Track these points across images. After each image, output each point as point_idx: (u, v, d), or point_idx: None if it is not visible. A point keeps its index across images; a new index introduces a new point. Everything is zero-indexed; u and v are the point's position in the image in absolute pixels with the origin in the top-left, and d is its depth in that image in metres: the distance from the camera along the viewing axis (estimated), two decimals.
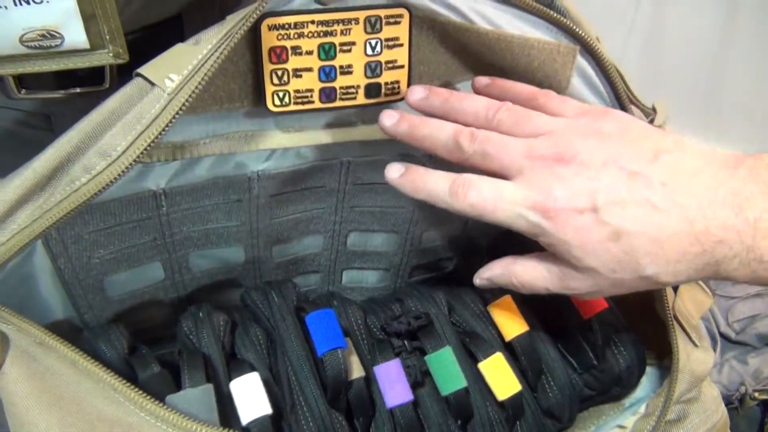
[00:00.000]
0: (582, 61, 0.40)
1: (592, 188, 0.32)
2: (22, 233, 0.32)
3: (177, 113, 0.30)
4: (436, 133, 0.36)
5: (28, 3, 0.32)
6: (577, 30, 0.38)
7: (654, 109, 0.44)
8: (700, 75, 0.90)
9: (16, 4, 0.32)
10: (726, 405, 0.43)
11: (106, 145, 0.31)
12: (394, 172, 0.38)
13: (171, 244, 0.42)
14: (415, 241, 0.48)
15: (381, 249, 0.49)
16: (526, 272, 0.37)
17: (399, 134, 0.37)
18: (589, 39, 0.39)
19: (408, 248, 0.49)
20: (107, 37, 0.35)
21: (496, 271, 0.38)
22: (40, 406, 0.31)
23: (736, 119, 0.94)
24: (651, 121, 0.43)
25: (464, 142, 0.35)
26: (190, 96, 0.30)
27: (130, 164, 0.30)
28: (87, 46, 0.35)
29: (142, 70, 0.32)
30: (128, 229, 0.40)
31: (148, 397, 0.31)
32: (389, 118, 0.37)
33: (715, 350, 0.74)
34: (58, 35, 0.34)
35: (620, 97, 0.40)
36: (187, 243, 0.43)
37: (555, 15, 0.38)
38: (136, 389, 0.31)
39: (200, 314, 0.40)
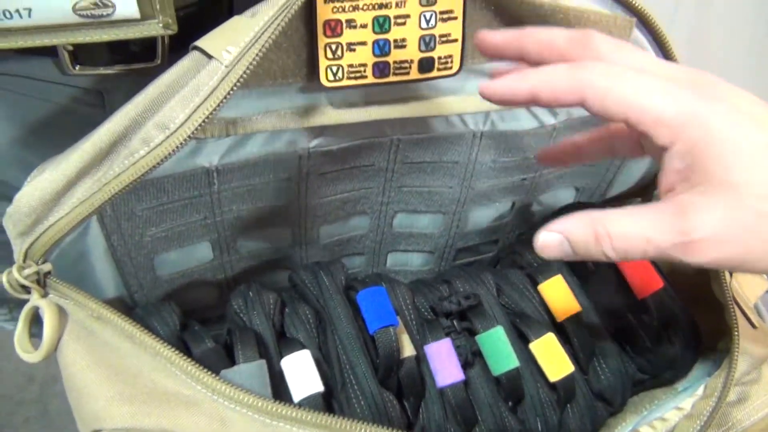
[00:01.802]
0: (639, 35, 0.39)
1: None
2: (82, 206, 0.32)
3: (234, 86, 0.30)
4: (549, 75, 0.29)
5: None
6: (634, 2, 0.38)
7: None
8: (744, 77, 0.89)
9: None
10: None
11: (164, 118, 0.31)
12: None
13: (221, 223, 0.43)
14: (461, 223, 0.48)
15: (427, 230, 0.48)
16: (623, 225, 0.27)
17: (502, 92, 0.30)
18: (646, 11, 0.38)
19: (454, 230, 0.48)
20: (157, 6, 0.35)
21: (575, 225, 0.29)
22: (99, 379, 0.32)
23: None
24: None
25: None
26: (247, 68, 0.30)
27: (188, 137, 0.30)
28: (137, 15, 0.35)
29: (199, 43, 0.32)
30: (180, 207, 0.40)
31: (205, 370, 0.31)
32: (486, 86, 0.31)
33: None
34: (110, 4, 0.34)
35: None
36: (237, 222, 0.43)
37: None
38: (193, 362, 0.31)
39: (250, 293, 0.40)
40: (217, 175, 0.39)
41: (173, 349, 0.32)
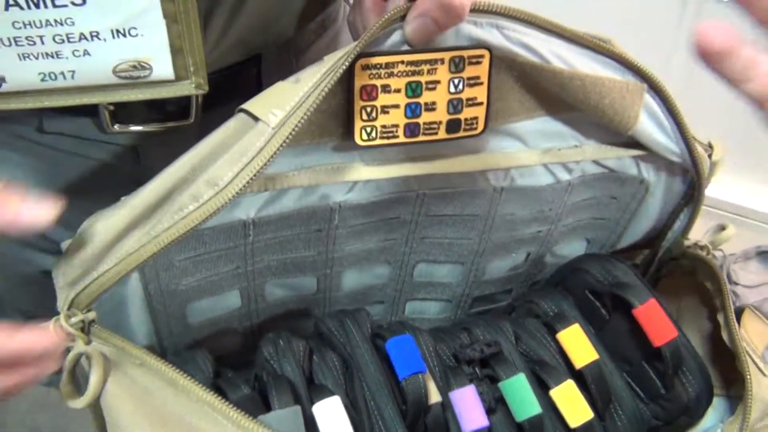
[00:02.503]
0: (649, 99, 0.41)
1: None
2: (130, 258, 0.34)
3: (280, 146, 0.33)
4: None
5: (125, 36, 0.35)
6: (645, 69, 0.40)
7: (711, 146, 0.45)
8: (738, 115, 0.92)
9: (114, 36, 0.35)
10: None
11: (214, 176, 0.33)
12: None
13: (252, 273, 0.44)
14: (478, 273, 0.50)
15: (445, 280, 0.50)
16: None
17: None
18: (655, 77, 0.41)
19: (471, 279, 0.50)
20: (191, 69, 0.38)
21: None
22: (142, 423, 0.33)
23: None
24: (709, 156, 0.45)
25: None
26: (293, 130, 0.33)
27: (236, 194, 0.33)
28: (172, 77, 0.38)
29: (245, 106, 0.34)
30: (215, 257, 0.42)
31: (246, 415, 0.33)
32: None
33: None
34: (147, 66, 0.37)
35: (685, 134, 0.42)
36: (266, 272, 0.45)
37: (623, 55, 0.40)
38: (234, 408, 0.33)
39: (280, 341, 0.42)
40: (253, 228, 0.41)
41: (215, 395, 0.33)
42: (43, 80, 0.37)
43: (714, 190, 0.97)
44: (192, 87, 0.39)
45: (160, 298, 0.42)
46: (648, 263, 0.51)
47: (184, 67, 0.38)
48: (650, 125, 0.42)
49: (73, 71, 0.36)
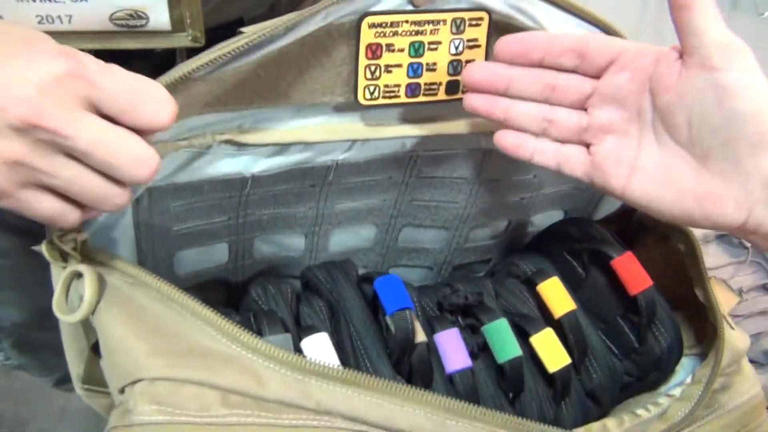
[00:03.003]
0: None
1: None
2: None
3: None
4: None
5: None
6: (621, 33, 0.43)
7: None
8: None
9: None
10: None
11: None
12: None
13: (242, 226, 0.45)
14: (461, 240, 0.51)
15: (429, 245, 0.52)
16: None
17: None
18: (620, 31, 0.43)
19: (454, 246, 0.52)
20: (188, 21, 0.38)
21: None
22: (137, 335, 0.33)
23: None
24: None
25: None
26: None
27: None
28: (169, 28, 0.38)
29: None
30: (209, 206, 0.43)
31: (242, 329, 0.33)
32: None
33: None
34: (144, 16, 0.37)
35: None
36: (256, 226, 0.46)
37: (609, 22, 0.43)
38: (231, 322, 0.33)
39: (269, 285, 0.43)
40: (251, 182, 0.42)
41: (212, 310, 0.34)
42: (40, 23, 0.37)
43: None
44: (188, 39, 0.39)
45: (150, 243, 0.43)
46: (622, 236, 0.53)
47: (181, 19, 0.38)
48: None
49: (71, 15, 0.37)
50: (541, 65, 0.38)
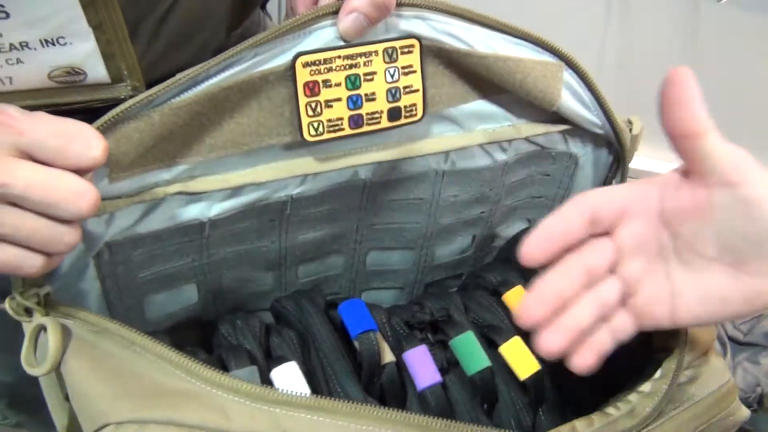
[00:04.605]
0: (567, 76, 0.45)
1: None
2: None
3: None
4: None
5: (54, 44, 0.37)
6: (559, 48, 0.44)
7: (630, 122, 0.49)
8: None
9: (44, 45, 0.37)
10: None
11: None
12: None
13: (208, 265, 0.46)
14: (428, 258, 0.52)
15: (397, 267, 0.52)
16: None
17: None
18: (570, 55, 0.45)
19: (422, 265, 0.52)
20: (125, 72, 0.39)
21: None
22: (102, 381, 0.34)
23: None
24: (630, 131, 0.49)
25: None
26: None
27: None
28: (108, 80, 0.40)
29: None
30: (171, 252, 0.43)
31: (203, 365, 0.34)
32: None
33: (725, 355, 0.75)
34: (81, 71, 0.38)
35: (604, 105, 0.46)
36: (222, 264, 0.46)
37: (539, 37, 0.44)
38: (192, 359, 0.34)
39: (237, 320, 0.43)
40: (209, 226, 0.42)
41: (173, 350, 0.34)
42: None
43: (664, 167, 1.03)
44: (128, 89, 0.40)
45: (117, 293, 0.44)
46: None
47: (118, 71, 0.39)
48: (572, 100, 0.46)
49: (11, 77, 0.38)
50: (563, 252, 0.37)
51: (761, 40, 0.96)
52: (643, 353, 0.44)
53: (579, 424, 0.37)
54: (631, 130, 0.49)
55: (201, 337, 0.50)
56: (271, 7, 0.53)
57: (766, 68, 0.99)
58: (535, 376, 0.42)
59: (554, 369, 0.44)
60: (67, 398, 0.39)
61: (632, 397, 0.40)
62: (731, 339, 0.77)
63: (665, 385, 0.39)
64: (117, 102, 0.41)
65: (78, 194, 0.31)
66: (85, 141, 0.32)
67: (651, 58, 0.99)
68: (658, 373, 0.41)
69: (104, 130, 0.34)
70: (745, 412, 0.42)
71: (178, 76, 0.35)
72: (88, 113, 0.39)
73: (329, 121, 0.41)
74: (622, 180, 0.50)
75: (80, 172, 0.32)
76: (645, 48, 0.98)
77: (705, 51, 0.97)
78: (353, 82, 0.41)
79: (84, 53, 0.37)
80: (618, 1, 0.95)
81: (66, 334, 0.36)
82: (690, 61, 0.99)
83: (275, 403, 0.33)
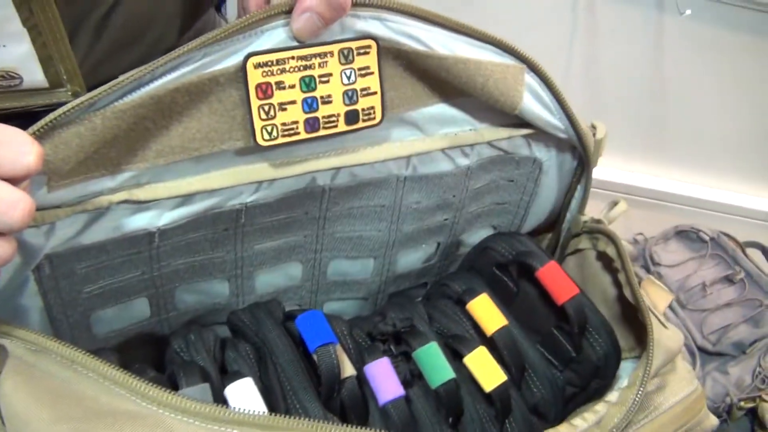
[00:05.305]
0: (529, 79, 0.44)
1: None
2: None
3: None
4: None
5: None
6: (520, 51, 0.43)
7: (594, 126, 0.49)
8: (639, 103, 1.01)
9: None
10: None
11: None
12: None
13: (159, 278, 0.44)
14: (392, 266, 0.50)
15: (359, 277, 0.51)
16: None
17: None
18: (532, 58, 0.44)
19: (385, 274, 0.51)
20: (65, 76, 0.37)
21: None
22: (39, 405, 0.32)
23: (676, 142, 1.04)
24: (594, 136, 0.48)
25: None
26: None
27: None
28: (46, 85, 0.37)
29: None
30: (118, 264, 0.41)
31: (149, 384, 0.32)
32: None
33: (694, 365, 0.75)
34: (16, 76, 0.36)
35: (566, 108, 0.45)
36: (174, 277, 0.44)
37: (500, 39, 0.43)
38: (137, 378, 0.32)
39: (191, 334, 0.41)
40: (159, 236, 0.40)
41: (117, 368, 0.32)
42: None
43: (630, 177, 1.03)
44: (68, 94, 0.38)
45: (61, 308, 0.41)
46: (553, 247, 0.53)
47: (57, 76, 0.37)
48: (534, 103, 0.45)
49: None
50: None
51: (722, 52, 0.97)
52: (608, 357, 0.43)
53: None
54: (594, 134, 0.48)
55: (155, 354, 0.48)
56: (232, 10, 0.51)
57: (727, 79, 1.00)
58: (501, 388, 0.40)
59: (519, 380, 0.43)
60: (3, 422, 0.37)
61: (599, 407, 0.39)
62: (700, 349, 0.77)
63: (633, 394, 0.38)
64: (57, 108, 0.39)
65: (9, 204, 0.29)
66: (17, 147, 0.29)
67: (616, 70, 1.00)
68: (625, 382, 0.40)
69: (40, 136, 0.32)
70: (713, 420, 0.41)
71: (122, 77, 0.33)
72: (26, 118, 0.37)
73: (283, 124, 0.39)
74: (587, 186, 0.49)
75: (14, 180, 0.30)
76: (610, 59, 0.99)
77: (668, 62, 0.99)
78: (308, 84, 0.39)
79: (18, 56, 0.35)
80: (584, 12, 0.96)
81: (1, 353, 0.33)
82: (653, 72, 1.00)
83: (227, 422, 0.31)
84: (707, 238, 0.87)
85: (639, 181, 1.05)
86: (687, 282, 0.83)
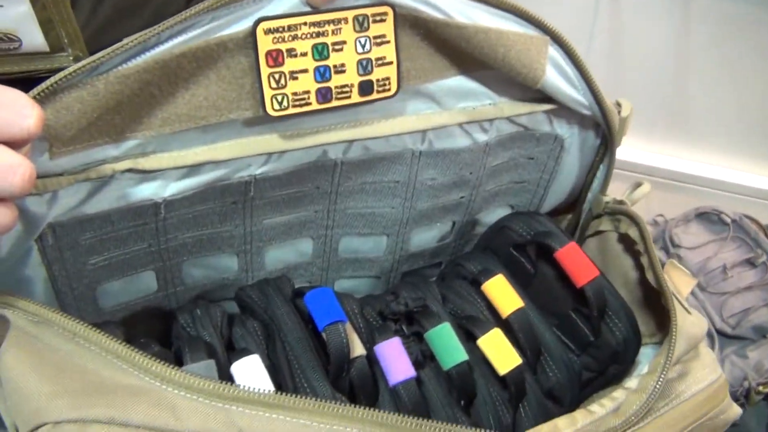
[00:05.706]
0: (553, 52, 0.42)
1: None
2: None
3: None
4: None
5: None
6: (544, 22, 0.41)
7: (618, 104, 0.47)
8: (662, 83, 0.98)
9: None
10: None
11: None
12: None
13: (166, 251, 0.43)
14: (405, 245, 0.49)
15: (372, 254, 0.49)
16: None
17: None
18: (556, 29, 0.42)
19: (398, 252, 0.49)
20: (66, 40, 0.36)
21: None
22: (41, 378, 0.31)
23: (699, 123, 1.01)
24: (619, 113, 0.46)
25: None
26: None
27: None
28: (46, 49, 0.36)
29: None
30: (124, 235, 0.40)
31: (152, 359, 0.31)
32: None
33: (713, 348, 0.74)
34: (15, 38, 0.35)
35: (591, 83, 0.43)
36: (182, 250, 0.43)
37: (523, 9, 0.41)
38: (140, 353, 0.31)
39: (197, 309, 0.40)
40: (164, 207, 0.39)
41: (119, 342, 0.31)
42: None
43: (651, 157, 1.01)
44: (70, 59, 0.37)
45: (66, 280, 0.40)
46: (573, 227, 0.51)
47: (58, 39, 0.36)
48: (557, 77, 0.43)
49: None
50: None
51: (749, 30, 0.94)
52: (628, 342, 0.42)
53: (561, 422, 0.35)
54: (619, 112, 0.46)
55: (161, 328, 0.47)
56: None
57: (754, 59, 0.97)
58: (516, 371, 0.39)
59: (535, 363, 0.42)
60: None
61: (618, 393, 0.37)
62: (719, 332, 0.75)
63: (653, 381, 0.36)
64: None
65: (9, 168, 0.28)
66: (18, 109, 0.28)
67: (640, 46, 0.97)
68: (645, 368, 0.39)
69: (41, 100, 0.31)
70: (736, 410, 0.40)
71: (126, 40, 0.32)
72: (26, 84, 0.36)
73: (294, 94, 0.38)
74: (610, 165, 0.47)
75: (14, 145, 0.29)
76: (634, 35, 0.96)
77: (693, 39, 0.96)
78: (320, 52, 0.38)
79: (17, 17, 0.34)
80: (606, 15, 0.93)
81: (3, 324, 0.33)
82: (678, 49, 0.97)
83: (231, 400, 0.30)
84: (729, 220, 0.85)
85: (660, 161, 1.03)
86: (707, 264, 0.81)
